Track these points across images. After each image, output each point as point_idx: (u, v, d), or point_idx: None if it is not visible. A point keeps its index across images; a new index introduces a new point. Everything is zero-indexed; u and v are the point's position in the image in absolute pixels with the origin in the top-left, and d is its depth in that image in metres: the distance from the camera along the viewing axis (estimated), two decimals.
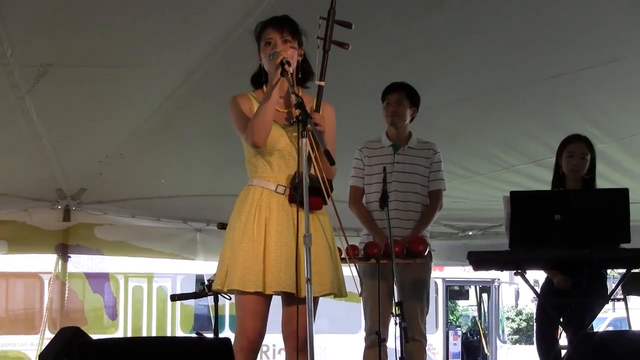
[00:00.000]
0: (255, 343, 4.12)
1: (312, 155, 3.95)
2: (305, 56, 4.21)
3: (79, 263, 9.63)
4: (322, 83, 4.14)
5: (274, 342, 14.89)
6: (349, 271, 4.39)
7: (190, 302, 14.84)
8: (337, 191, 4.15)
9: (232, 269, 4.03)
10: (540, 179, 7.43)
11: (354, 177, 6.03)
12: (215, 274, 4.21)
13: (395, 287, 5.18)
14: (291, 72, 3.95)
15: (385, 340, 5.39)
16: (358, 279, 5.03)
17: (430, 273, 6.04)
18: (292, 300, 4.05)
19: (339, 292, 4.17)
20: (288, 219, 4.05)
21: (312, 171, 4.01)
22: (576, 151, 5.75)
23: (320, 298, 4.14)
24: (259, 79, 4.27)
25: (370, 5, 5.09)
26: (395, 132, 5.95)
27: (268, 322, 4.17)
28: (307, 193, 3.79)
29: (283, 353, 4.41)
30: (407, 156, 5.92)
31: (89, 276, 15.12)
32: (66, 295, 8.79)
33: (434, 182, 5.97)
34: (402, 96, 5.88)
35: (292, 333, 4.10)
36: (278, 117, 4.13)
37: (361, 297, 5.82)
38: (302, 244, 3.81)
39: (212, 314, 6.63)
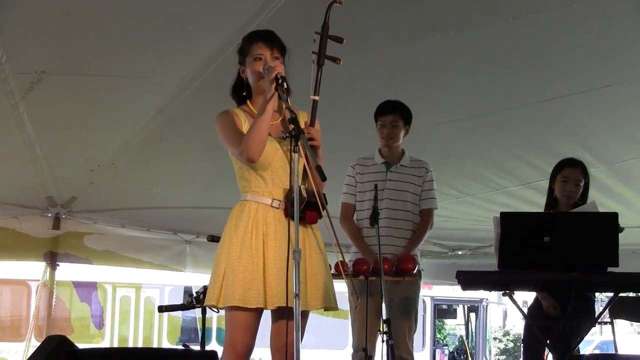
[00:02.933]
0: (243, 357, 4.11)
1: (309, 170, 3.96)
2: (285, 74, 4.19)
3: (67, 271, 9.58)
4: (317, 98, 4.15)
5: (260, 356, 14.86)
6: (341, 287, 4.40)
7: (178, 313, 14.82)
8: (330, 207, 4.15)
9: (230, 285, 4.01)
10: (531, 201, 7.46)
11: (345, 193, 6.03)
12: (206, 288, 4.20)
13: (383, 304, 5.17)
14: (286, 87, 3.96)
15: (372, 357, 5.39)
16: (354, 292, 5.06)
17: (419, 291, 6.04)
18: (282, 315, 4.05)
19: (335, 305, 4.18)
20: (285, 233, 4.03)
21: (307, 185, 4.03)
22: (571, 177, 5.75)
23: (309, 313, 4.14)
24: (240, 91, 4.26)
25: (366, 26, 5.12)
26: (388, 150, 5.96)
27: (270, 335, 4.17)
28: (298, 209, 3.80)
29: None
30: (399, 174, 5.92)
31: (77, 285, 15.08)
32: (53, 304, 8.76)
33: (426, 200, 5.97)
34: (396, 117, 5.88)
35: (281, 348, 4.09)
36: (271, 131, 4.14)
37: (350, 314, 5.83)
38: (308, 256, 3.86)
39: (199, 326, 6.62)
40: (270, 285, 3.99)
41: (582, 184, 5.76)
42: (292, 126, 3.85)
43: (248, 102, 4.25)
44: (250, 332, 4.09)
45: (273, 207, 4.10)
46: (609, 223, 4.87)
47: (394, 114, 5.88)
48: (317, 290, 4.07)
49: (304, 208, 3.98)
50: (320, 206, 4.00)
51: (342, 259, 4.41)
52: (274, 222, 4.07)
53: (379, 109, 5.92)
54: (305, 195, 3.97)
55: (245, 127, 4.13)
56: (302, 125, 4.00)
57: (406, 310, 5.80)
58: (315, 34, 4.14)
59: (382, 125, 5.91)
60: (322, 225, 4.16)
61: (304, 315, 3.98)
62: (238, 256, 4.03)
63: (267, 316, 4.17)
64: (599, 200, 6.66)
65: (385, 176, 5.91)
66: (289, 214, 4.03)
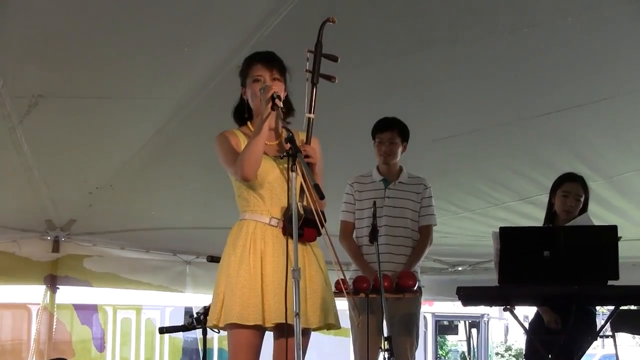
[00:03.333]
0: None
1: (305, 187, 3.96)
2: (287, 94, 4.21)
3: (67, 294, 9.56)
4: (312, 116, 4.16)
5: None
6: (342, 305, 4.40)
7: (179, 334, 14.76)
8: (328, 225, 4.15)
9: (229, 303, 4.02)
10: (530, 216, 7.46)
11: (344, 211, 6.03)
12: (205, 308, 4.19)
13: (384, 321, 5.17)
14: (281, 106, 3.97)
15: None
16: (355, 309, 5.04)
17: (420, 308, 6.02)
18: (283, 333, 4.03)
19: (337, 322, 4.17)
20: (283, 251, 4.03)
21: (305, 203, 4.03)
22: (572, 192, 5.75)
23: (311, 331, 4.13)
24: (242, 115, 4.29)
25: (362, 42, 5.13)
26: (387, 167, 5.96)
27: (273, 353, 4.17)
28: (297, 227, 3.80)
29: None
30: (397, 191, 5.92)
31: (77, 307, 15.02)
32: (54, 327, 8.74)
33: (424, 217, 5.97)
34: (394, 135, 5.89)
35: None
36: (268, 150, 4.14)
37: (351, 332, 5.82)
38: (307, 273, 3.87)
39: (200, 347, 6.59)
40: (269, 303, 3.98)
41: (582, 198, 5.76)
42: (288, 145, 3.86)
43: (249, 123, 4.27)
44: (252, 351, 4.08)
45: (271, 225, 4.10)
46: (609, 236, 4.87)
47: (391, 131, 5.89)
48: (317, 308, 4.06)
49: (302, 225, 3.98)
50: (319, 224, 4.00)
51: (342, 277, 4.40)
52: (272, 240, 4.08)
53: (377, 127, 5.92)
54: (302, 212, 3.97)
55: (242, 148, 4.14)
56: (298, 144, 4.01)
57: (407, 326, 5.79)
58: (308, 52, 4.15)
59: (380, 142, 5.92)
60: (322, 243, 4.16)
61: (306, 333, 3.98)
62: (236, 274, 4.03)
63: (268, 335, 4.17)
64: (598, 213, 6.68)
65: (384, 193, 5.91)
66: (287, 232, 4.04)
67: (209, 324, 4.19)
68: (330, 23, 4.14)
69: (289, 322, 3.78)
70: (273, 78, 4.13)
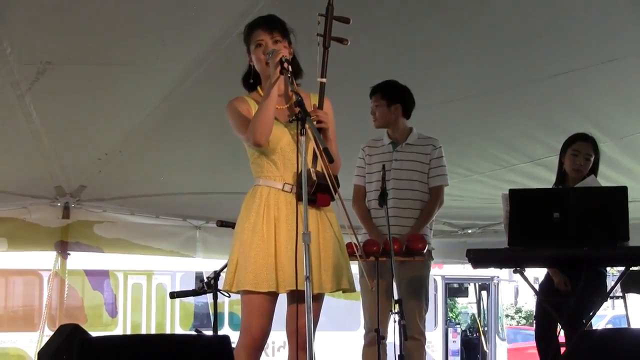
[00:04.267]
0: (259, 341, 4.12)
1: (317, 152, 3.96)
2: (294, 55, 4.20)
3: (78, 260, 9.61)
4: (324, 80, 4.15)
5: (273, 340, 14.89)
6: (356, 268, 4.41)
7: (190, 299, 14.85)
8: (342, 189, 4.15)
9: (242, 269, 4.03)
10: (539, 178, 7.44)
11: (356, 175, 6.03)
12: (216, 273, 4.21)
13: (394, 284, 5.17)
14: (290, 70, 3.95)
15: (384, 338, 5.39)
16: (369, 274, 5.04)
17: (429, 271, 6.02)
18: (297, 297, 4.06)
19: (351, 287, 4.19)
20: (296, 218, 4.05)
21: (319, 168, 4.02)
22: (582, 151, 5.75)
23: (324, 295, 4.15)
24: (248, 81, 4.28)
25: (370, 5, 5.10)
26: (394, 130, 5.95)
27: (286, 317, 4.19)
28: (306, 192, 3.79)
29: (282, 350, 4.41)
30: (405, 153, 5.90)
31: (89, 273, 15.12)
32: (65, 293, 8.79)
33: (434, 178, 5.93)
34: (376, 98, 5.91)
35: (295, 332, 4.10)
36: (279, 115, 4.13)
37: (361, 295, 5.84)
38: (322, 238, 3.90)
39: (211, 312, 6.63)
40: (283, 269, 4.00)
41: (592, 158, 5.75)
42: (298, 109, 3.85)
43: (258, 88, 4.26)
44: (266, 315, 4.10)
45: (284, 191, 4.11)
46: (619, 197, 4.86)
47: (374, 95, 5.91)
48: (330, 273, 4.07)
49: (314, 191, 3.99)
50: (332, 189, 3.99)
51: (355, 242, 4.40)
52: (285, 206, 4.08)
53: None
54: (315, 178, 3.97)
55: (254, 113, 4.13)
56: (311, 108, 4.00)
57: (417, 290, 5.79)
58: (319, 16, 4.13)
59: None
60: (338, 207, 4.16)
61: (318, 297, 3.99)
62: (250, 241, 4.04)
63: (282, 299, 4.19)
64: (608, 175, 6.67)
65: (391, 156, 5.89)
66: (300, 198, 4.04)
67: (222, 287, 4.23)
68: None
69: (300, 286, 3.80)
70: (275, 41, 4.12)
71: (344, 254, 4.23)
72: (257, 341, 4.11)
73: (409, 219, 5.83)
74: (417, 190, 5.89)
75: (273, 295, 4.09)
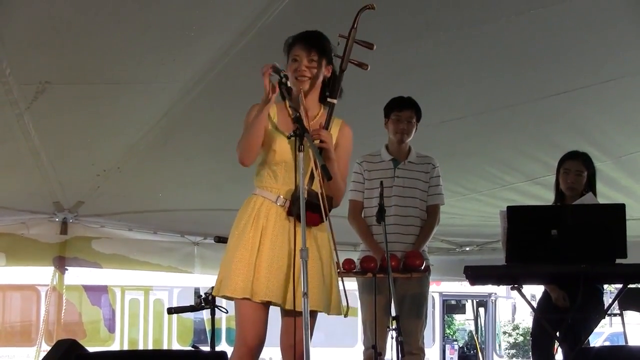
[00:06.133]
0: (254, 349, 4.09)
1: (314, 171, 3.97)
2: (335, 73, 4.19)
3: (76, 276, 9.62)
4: (335, 101, 4.15)
5: (270, 356, 14.86)
6: (348, 285, 4.39)
7: (189, 315, 14.83)
8: (338, 207, 4.15)
9: (226, 275, 4.03)
10: (538, 197, 7.46)
11: (353, 190, 6.01)
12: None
13: (392, 301, 5.17)
14: (286, 85, 3.94)
15: (381, 354, 5.39)
16: (359, 292, 5.01)
17: (429, 288, 6.03)
18: (290, 312, 4.05)
19: (326, 309, 4.11)
20: (284, 232, 4.04)
21: (315, 187, 4.03)
22: (572, 169, 5.77)
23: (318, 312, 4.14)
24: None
25: (369, 26, 5.10)
26: (398, 146, 5.94)
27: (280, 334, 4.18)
28: (304, 206, 3.79)
29: None
30: (407, 170, 5.90)
31: (87, 289, 15.10)
32: (63, 308, 8.78)
33: (432, 197, 5.95)
34: (412, 114, 5.84)
35: (291, 346, 4.10)
36: (289, 129, 4.12)
37: (360, 311, 5.84)
38: (297, 257, 3.83)
39: (208, 328, 6.62)
40: (260, 279, 3.98)
41: (584, 174, 5.76)
42: (295, 125, 3.85)
43: (286, 99, 4.19)
44: (259, 324, 4.07)
45: (277, 204, 4.10)
46: (617, 214, 4.87)
47: (410, 109, 5.85)
48: (312, 293, 3.99)
49: (309, 208, 3.99)
50: (323, 209, 3.98)
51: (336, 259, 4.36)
52: (274, 218, 4.06)
53: (395, 104, 5.86)
54: (306, 195, 3.97)
55: (270, 124, 4.11)
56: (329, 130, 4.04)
57: (417, 307, 5.80)
58: (340, 37, 4.14)
59: (398, 120, 5.85)
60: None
61: (311, 315, 3.98)
62: (235, 247, 4.04)
63: (277, 314, 4.19)
64: (606, 193, 6.68)
65: (393, 173, 5.88)
66: (290, 213, 4.05)
67: (214, 292, 4.23)
68: (369, 9, 4.12)
69: (298, 303, 3.80)
70: (310, 59, 4.10)
71: (329, 275, 4.15)
72: (252, 350, 4.07)
73: (411, 236, 5.83)
74: (418, 208, 5.89)
75: (264, 305, 4.06)
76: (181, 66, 5.46)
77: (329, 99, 4.15)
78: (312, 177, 4.05)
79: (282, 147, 4.08)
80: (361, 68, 4.18)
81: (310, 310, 3.84)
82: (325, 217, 4.01)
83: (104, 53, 5.24)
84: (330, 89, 4.17)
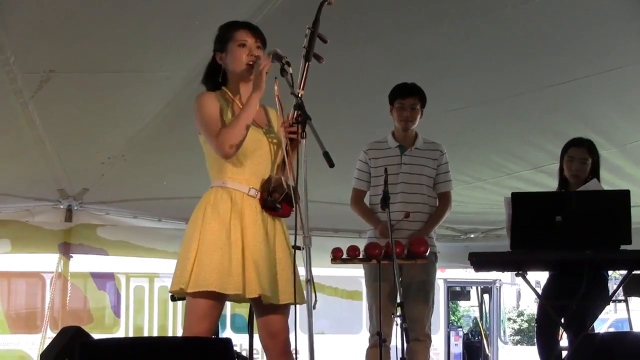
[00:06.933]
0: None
1: (287, 161, 3.96)
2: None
3: (81, 263, 9.63)
4: (302, 92, 4.12)
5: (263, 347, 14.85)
6: (354, 271, 4.39)
7: None
8: (338, 195, 4.15)
9: (205, 270, 3.92)
10: (542, 185, 7.46)
11: (356, 178, 6.01)
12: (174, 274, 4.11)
13: (396, 287, 5.17)
14: (291, 72, 3.92)
15: (386, 340, 5.40)
16: (365, 279, 4.98)
17: (435, 274, 6.03)
18: (269, 307, 4.04)
19: (300, 300, 4.02)
20: (261, 224, 4.04)
21: (287, 177, 4.03)
22: (576, 156, 5.78)
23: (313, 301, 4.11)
24: (215, 78, 4.20)
25: (373, 15, 5.11)
26: (404, 133, 5.92)
27: (257, 327, 4.17)
28: (307, 193, 3.78)
29: None
30: (414, 157, 5.89)
31: (93, 275, 15.12)
32: (69, 294, 8.80)
33: (443, 184, 5.96)
34: (416, 100, 5.85)
35: (275, 338, 4.10)
36: (257, 119, 4.11)
37: (364, 297, 5.85)
38: (279, 249, 3.93)
39: None
40: (250, 274, 3.94)
41: (589, 161, 5.76)
42: (298, 112, 3.83)
43: (224, 88, 4.19)
44: (214, 317, 4.05)
45: (250, 195, 4.06)
46: (621, 201, 4.87)
47: (414, 96, 5.84)
48: (287, 285, 3.97)
49: (281, 200, 3.99)
50: (294, 199, 3.95)
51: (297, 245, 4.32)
52: (250, 211, 4.03)
53: (398, 92, 5.86)
54: (285, 187, 3.96)
55: (225, 116, 4.07)
56: (279, 124, 4.04)
57: (424, 293, 5.81)
58: (307, 29, 4.13)
59: (401, 107, 5.86)
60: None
61: (286, 308, 3.98)
62: (215, 240, 3.96)
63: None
64: (611, 181, 6.68)
65: (400, 160, 5.88)
66: (265, 205, 4.03)
67: (173, 287, 4.06)
68: (327, 4, 4.11)
69: (290, 296, 3.85)
70: (257, 46, 4.09)
71: (295, 267, 4.05)
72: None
73: (418, 223, 5.83)
74: (425, 195, 5.90)
75: (220, 299, 4.01)
76: (185, 55, 5.45)
77: (298, 90, 4.00)
78: (282, 167, 4.03)
79: (252, 138, 4.04)
80: (318, 61, 4.12)
81: (285, 304, 3.86)
82: (295, 204, 3.95)
83: (108, 42, 5.23)
84: (299, 80, 4.08)
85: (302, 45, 4.11)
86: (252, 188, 4.06)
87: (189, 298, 4.02)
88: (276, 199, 3.99)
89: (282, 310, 4.02)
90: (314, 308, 3.79)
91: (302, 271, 3.79)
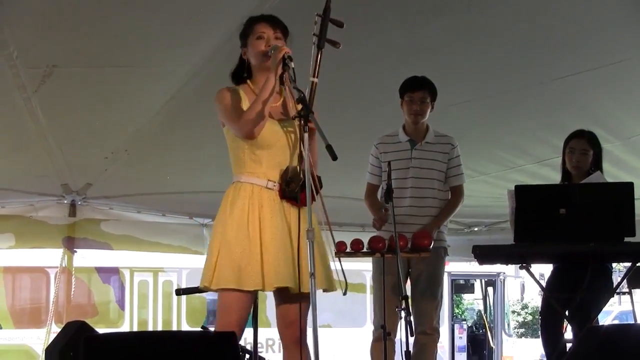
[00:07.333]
0: (239, 334, 4.10)
1: (304, 151, 3.96)
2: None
3: (85, 257, 9.65)
4: (316, 80, 4.14)
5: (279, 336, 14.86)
6: (353, 266, 4.39)
7: (203, 296, 14.84)
8: (343, 189, 4.15)
9: (226, 267, 3.99)
10: (547, 178, 7.46)
11: (368, 173, 6.00)
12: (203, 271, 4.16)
13: (402, 281, 5.17)
14: (293, 67, 3.94)
15: (390, 334, 5.40)
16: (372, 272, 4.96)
17: (444, 268, 6.02)
18: (286, 296, 4.07)
19: (328, 287, 4.14)
20: (281, 215, 4.06)
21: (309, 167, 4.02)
22: (576, 147, 5.78)
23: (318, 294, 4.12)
24: (241, 74, 4.27)
25: (377, 9, 5.10)
26: (414, 127, 5.89)
27: (273, 317, 4.19)
28: (310, 188, 3.79)
29: None
30: (424, 151, 5.86)
31: (97, 270, 15.15)
32: (73, 287, 8.82)
33: (455, 177, 5.92)
34: (425, 94, 5.81)
35: (290, 327, 4.12)
36: (273, 112, 4.13)
37: (367, 289, 5.86)
38: (302, 238, 3.87)
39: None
40: (268, 268, 3.98)
41: (590, 153, 5.76)
42: (300, 106, 3.84)
43: (248, 82, 4.25)
44: (245, 311, 4.09)
45: (268, 188, 4.09)
46: (625, 193, 4.86)
47: (423, 90, 5.81)
48: (308, 274, 4.01)
49: (299, 190, 3.99)
50: (315, 188, 3.98)
51: (332, 239, 4.34)
52: (268, 204, 4.07)
53: (408, 85, 5.82)
54: (301, 176, 3.97)
55: (245, 105, 4.12)
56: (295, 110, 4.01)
57: (432, 287, 5.80)
58: (317, 16, 4.14)
59: (411, 101, 5.82)
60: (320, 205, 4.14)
61: (306, 297, 3.99)
62: (234, 238, 4.02)
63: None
64: (615, 174, 6.67)
65: (410, 154, 5.85)
66: (284, 195, 4.05)
67: (200, 284, 4.13)
68: None
69: (304, 285, 3.84)
70: (276, 37, 4.11)
71: (322, 253, 4.16)
72: (239, 335, 4.10)
73: (427, 217, 5.81)
74: (435, 189, 5.87)
75: (254, 294, 4.09)
76: (188, 49, 5.45)
77: (311, 78, 4.12)
78: (299, 157, 4.04)
79: (267, 130, 4.07)
80: (334, 47, 4.16)
81: (303, 293, 3.86)
82: (317, 194, 3.99)
83: (111, 36, 5.23)
84: (312, 67, 4.14)
85: (313, 33, 4.13)
86: (270, 180, 4.09)
87: (220, 294, 4.09)
88: (294, 189, 3.99)
89: (300, 299, 4.01)
90: (345, 294, 3.96)
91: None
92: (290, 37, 4.19)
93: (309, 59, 4.17)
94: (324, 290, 4.15)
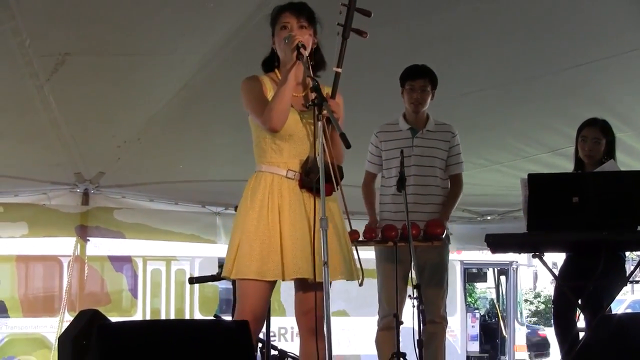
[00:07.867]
0: (259, 322, 4.14)
1: (324, 141, 3.95)
2: (318, 45, 4.19)
3: (99, 245, 9.67)
4: (339, 70, 4.14)
5: (292, 325, 14.88)
6: (365, 254, 4.39)
7: (215, 284, 14.84)
8: (351, 178, 4.14)
9: (246, 257, 4.02)
10: (559, 167, 7.43)
11: (368, 161, 6.02)
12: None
13: (412, 270, 5.17)
14: (307, 55, 3.94)
15: (402, 322, 5.40)
16: (376, 261, 4.98)
17: (449, 256, 6.03)
18: (305, 284, 4.08)
19: (349, 276, 4.16)
20: (300, 205, 4.07)
21: (330, 157, 4.02)
22: (589, 136, 5.76)
23: (334, 283, 4.13)
24: (271, 63, 4.27)
25: None
26: (415, 115, 5.90)
27: (287, 305, 4.21)
28: (324, 177, 3.79)
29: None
30: (425, 139, 5.87)
31: (110, 259, 15.17)
32: (85, 277, 8.84)
33: (455, 166, 5.94)
34: (426, 82, 5.80)
35: (306, 315, 4.12)
36: (293, 102, 4.13)
37: (377, 280, 5.85)
38: (317, 228, 3.83)
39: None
40: (287, 258, 4.00)
41: (602, 141, 5.75)
42: (314, 94, 3.84)
43: (276, 70, 4.25)
44: (264, 300, 4.11)
45: (288, 177, 4.10)
46: (638, 181, 4.85)
47: (424, 78, 5.81)
48: (332, 262, 4.02)
49: (318, 180, 3.99)
50: (334, 178, 3.97)
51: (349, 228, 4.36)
52: (288, 194, 4.08)
53: (408, 73, 5.83)
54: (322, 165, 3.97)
55: (270, 95, 4.13)
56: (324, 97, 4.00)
57: (438, 275, 5.81)
58: (341, 6, 4.12)
59: (411, 89, 5.83)
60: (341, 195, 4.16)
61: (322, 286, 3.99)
62: (255, 229, 4.04)
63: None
64: (628, 163, 6.64)
65: (411, 142, 5.86)
66: (304, 185, 4.05)
67: (223, 273, 4.19)
68: None
69: (318, 273, 3.85)
70: (300, 26, 4.09)
71: (345, 243, 4.19)
72: (258, 322, 4.12)
73: (430, 205, 5.82)
74: (437, 177, 5.88)
75: (273, 283, 4.10)
76: (200, 38, 5.45)
77: (334, 68, 4.13)
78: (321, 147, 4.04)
79: (289, 120, 4.08)
80: (361, 36, 4.15)
81: (320, 282, 3.86)
82: (337, 185, 4.00)
83: (123, 24, 5.23)
84: (338, 58, 4.14)
85: (337, 22, 4.12)
86: (290, 170, 4.10)
87: (239, 283, 4.12)
88: (313, 179, 3.99)
89: (317, 288, 3.99)
90: (361, 285, 4.03)
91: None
92: (319, 23, 4.18)
93: (331, 48, 4.17)
94: (346, 280, 4.16)
